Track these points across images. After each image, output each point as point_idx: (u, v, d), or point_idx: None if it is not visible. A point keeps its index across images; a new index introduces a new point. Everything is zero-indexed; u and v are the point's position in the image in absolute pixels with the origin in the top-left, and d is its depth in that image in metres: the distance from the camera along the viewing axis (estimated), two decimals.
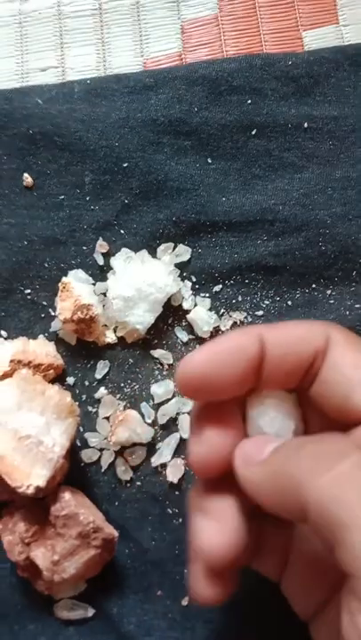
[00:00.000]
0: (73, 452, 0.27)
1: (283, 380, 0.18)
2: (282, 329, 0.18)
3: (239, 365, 0.17)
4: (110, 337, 0.29)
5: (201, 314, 0.29)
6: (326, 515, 0.15)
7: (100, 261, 0.29)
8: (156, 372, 0.29)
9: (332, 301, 0.29)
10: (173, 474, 0.27)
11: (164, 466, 0.27)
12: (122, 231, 0.29)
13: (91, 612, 0.26)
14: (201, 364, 0.17)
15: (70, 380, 0.28)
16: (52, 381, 0.28)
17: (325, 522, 0.15)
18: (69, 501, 0.24)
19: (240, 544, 0.18)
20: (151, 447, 0.28)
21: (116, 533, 0.25)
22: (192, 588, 0.19)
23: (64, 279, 0.28)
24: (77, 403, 0.28)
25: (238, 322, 0.29)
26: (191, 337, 0.29)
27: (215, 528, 0.18)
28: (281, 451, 0.17)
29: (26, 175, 0.30)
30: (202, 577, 0.18)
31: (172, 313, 0.29)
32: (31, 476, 0.23)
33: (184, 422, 0.28)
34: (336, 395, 0.18)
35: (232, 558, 0.18)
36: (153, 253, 0.29)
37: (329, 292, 0.29)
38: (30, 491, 0.23)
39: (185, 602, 0.26)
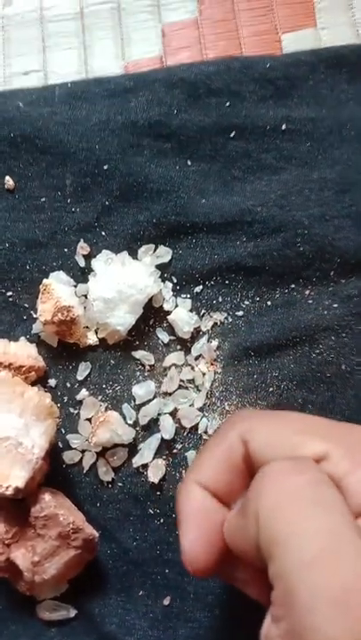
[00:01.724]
0: (55, 454, 0.27)
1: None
2: (269, 436, 0.18)
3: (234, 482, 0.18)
4: (92, 338, 0.29)
5: (182, 315, 0.29)
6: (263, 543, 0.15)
7: (82, 263, 0.29)
8: (138, 373, 0.29)
9: (310, 301, 0.29)
10: (154, 474, 0.27)
11: (145, 466, 0.28)
12: (103, 233, 0.30)
13: (73, 613, 0.26)
14: (196, 548, 0.18)
15: (52, 381, 0.28)
16: (34, 383, 0.28)
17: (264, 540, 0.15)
18: (49, 502, 0.25)
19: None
20: (132, 448, 0.28)
21: (96, 534, 0.25)
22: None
23: (45, 281, 0.28)
24: (59, 404, 0.28)
25: (219, 322, 0.29)
26: (172, 338, 0.29)
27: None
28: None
29: (7, 178, 0.30)
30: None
31: (153, 314, 0.29)
32: (10, 478, 0.23)
33: (165, 423, 0.28)
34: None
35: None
36: (134, 255, 0.29)
37: (308, 292, 0.29)
38: (9, 492, 0.23)
39: (166, 601, 0.26)
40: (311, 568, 0.14)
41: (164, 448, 0.28)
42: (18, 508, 0.25)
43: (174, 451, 0.28)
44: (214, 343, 0.29)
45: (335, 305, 0.29)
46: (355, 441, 0.17)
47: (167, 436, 0.28)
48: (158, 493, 0.27)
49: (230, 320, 0.29)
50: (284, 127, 0.30)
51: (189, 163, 0.30)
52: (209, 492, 0.19)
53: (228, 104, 0.30)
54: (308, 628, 0.14)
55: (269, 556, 0.15)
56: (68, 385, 0.28)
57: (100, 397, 0.28)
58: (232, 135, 0.30)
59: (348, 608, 0.14)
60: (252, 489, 0.17)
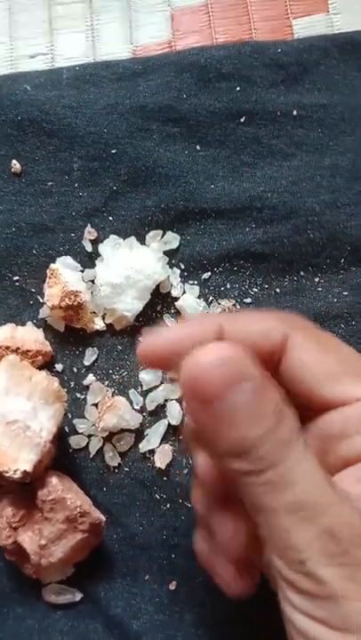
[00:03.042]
0: (62, 438, 0.27)
1: None
2: (241, 321, 0.19)
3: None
4: (99, 324, 0.29)
5: (189, 301, 0.29)
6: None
7: (89, 248, 0.29)
8: None
9: (320, 289, 0.29)
10: (161, 460, 0.27)
11: (151, 452, 0.28)
12: (110, 218, 0.29)
13: (78, 596, 0.26)
14: (163, 342, 0.18)
15: (59, 366, 0.28)
16: (41, 368, 0.28)
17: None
18: (56, 486, 0.25)
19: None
20: (139, 433, 0.28)
21: (102, 518, 0.25)
22: (225, 584, 0.19)
23: (52, 266, 0.28)
24: (66, 389, 0.28)
25: (227, 309, 0.29)
26: None
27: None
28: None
29: (14, 162, 0.29)
30: (231, 572, 0.19)
31: (160, 300, 0.29)
32: (18, 461, 0.23)
33: (172, 409, 0.28)
34: (298, 388, 0.18)
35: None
36: (142, 240, 0.29)
37: (317, 279, 0.29)
38: (17, 475, 0.23)
39: (172, 586, 0.26)
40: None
41: (171, 434, 0.28)
42: (25, 491, 0.25)
43: (181, 436, 0.28)
44: None
45: (345, 293, 0.29)
46: None
47: (174, 422, 0.28)
48: (165, 479, 0.27)
49: (238, 307, 0.29)
50: (295, 113, 0.30)
51: (198, 148, 0.30)
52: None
53: (238, 89, 0.30)
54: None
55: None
56: (75, 370, 0.28)
57: (106, 383, 0.28)
58: (242, 120, 0.30)
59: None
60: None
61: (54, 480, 0.25)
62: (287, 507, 0.15)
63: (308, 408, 0.18)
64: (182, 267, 0.29)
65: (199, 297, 0.29)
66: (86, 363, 0.28)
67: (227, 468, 0.16)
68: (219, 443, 0.16)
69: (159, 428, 0.28)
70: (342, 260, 0.29)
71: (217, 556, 0.19)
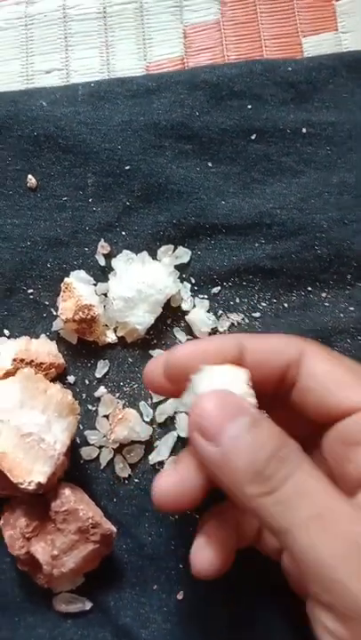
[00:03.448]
0: (73, 450, 0.28)
1: (257, 386, 0.20)
2: (261, 339, 0.21)
3: (218, 363, 0.20)
4: (111, 337, 0.29)
5: (199, 315, 0.29)
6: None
7: (102, 262, 0.30)
8: None
9: (327, 304, 0.29)
10: None
11: (161, 463, 0.28)
12: (123, 233, 0.30)
13: (88, 605, 0.27)
14: (184, 356, 0.20)
15: (71, 378, 0.29)
16: (54, 380, 0.28)
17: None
18: (69, 497, 0.25)
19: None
20: (149, 445, 0.28)
21: (114, 529, 0.26)
22: (192, 560, 0.20)
23: (66, 279, 0.29)
24: (78, 401, 0.28)
25: (236, 323, 0.30)
26: (189, 337, 0.29)
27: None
28: (233, 452, 0.18)
29: (30, 177, 0.30)
30: (202, 548, 0.20)
31: (171, 314, 0.30)
32: (32, 473, 0.24)
33: (182, 421, 0.28)
34: (313, 400, 0.20)
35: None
36: (153, 255, 0.30)
37: (324, 294, 0.30)
38: (32, 487, 0.24)
39: (180, 596, 0.27)
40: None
41: (181, 445, 0.28)
42: (38, 502, 0.25)
43: None
44: None
45: (351, 308, 0.29)
46: None
47: (183, 434, 0.28)
48: None
49: (247, 321, 0.30)
50: (304, 131, 0.31)
51: (210, 164, 0.30)
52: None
53: (249, 107, 0.31)
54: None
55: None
56: (87, 382, 0.29)
57: (117, 395, 0.29)
58: (253, 138, 0.30)
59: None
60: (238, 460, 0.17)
61: (67, 491, 0.25)
62: (307, 519, 0.16)
63: (323, 418, 0.19)
64: (193, 281, 0.30)
65: (209, 311, 0.30)
66: (98, 375, 0.29)
67: (243, 498, 0.17)
68: (230, 474, 0.17)
69: (169, 439, 0.28)
70: (349, 276, 0.29)
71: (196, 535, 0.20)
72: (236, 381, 0.19)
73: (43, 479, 0.24)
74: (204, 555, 0.20)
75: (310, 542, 0.16)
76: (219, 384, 0.19)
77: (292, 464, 0.17)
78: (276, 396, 0.21)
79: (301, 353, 0.20)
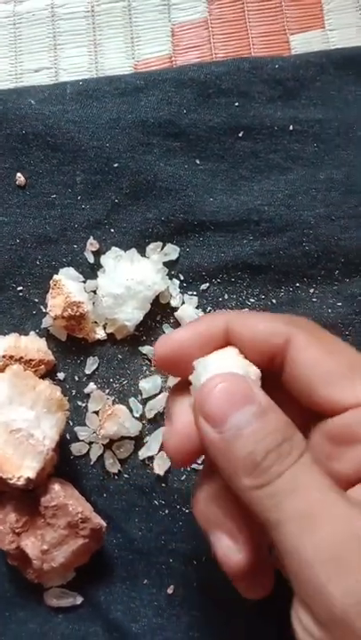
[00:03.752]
0: (63, 445, 0.28)
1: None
2: (246, 321, 0.20)
3: (207, 346, 0.19)
4: (100, 333, 0.29)
5: (188, 311, 0.29)
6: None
7: (91, 259, 0.30)
8: (145, 368, 0.29)
9: (315, 300, 0.30)
10: (160, 466, 0.28)
11: (151, 459, 0.28)
12: (112, 230, 0.30)
13: (79, 600, 0.27)
14: (175, 343, 0.19)
15: (61, 375, 0.29)
16: (43, 377, 0.28)
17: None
18: (59, 492, 0.25)
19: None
20: (139, 441, 0.28)
21: (103, 523, 0.26)
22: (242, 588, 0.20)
23: (55, 277, 0.29)
24: (67, 397, 0.28)
25: None
26: None
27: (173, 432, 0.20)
28: (235, 438, 0.17)
29: (19, 174, 0.30)
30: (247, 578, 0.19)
31: (160, 310, 0.30)
32: (22, 468, 0.24)
33: None
34: (299, 390, 0.19)
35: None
36: (142, 252, 0.30)
37: (312, 290, 0.30)
38: (21, 482, 0.24)
39: (170, 590, 0.27)
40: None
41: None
42: (28, 497, 0.25)
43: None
44: None
45: (339, 304, 0.29)
46: None
47: None
48: (163, 485, 0.28)
49: None
50: (291, 128, 0.31)
51: (198, 162, 0.31)
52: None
53: (237, 104, 0.31)
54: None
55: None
56: (77, 378, 0.29)
57: (107, 391, 0.29)
58: (240, 135, 0.31)
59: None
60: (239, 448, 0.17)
61: (56, 487, 0.25)
62: (297, 516, 0.16)
63: (311, 409, 0.19)
64: (181, 278, 0.30)
65: (198, 307, 0.30)
66: (87, 371, 0.29)
67: (239, 488, 0.17)
68: (229, 461, 0.17)
69: (158, 435, 0.28)
70: (336, 272, 0.30)
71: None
72: (239, 360, 0.19)
73: (32, 474, 0.24)
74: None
75: (296, 540, 0.16)
76: (224, 366, 0.19)
77: (290, 458, 0.16)
78: (273, 376, 0.20)
79: (288, 339, 0.19)
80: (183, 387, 0.20)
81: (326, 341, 0.19)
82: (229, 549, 0.18)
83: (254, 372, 0.19)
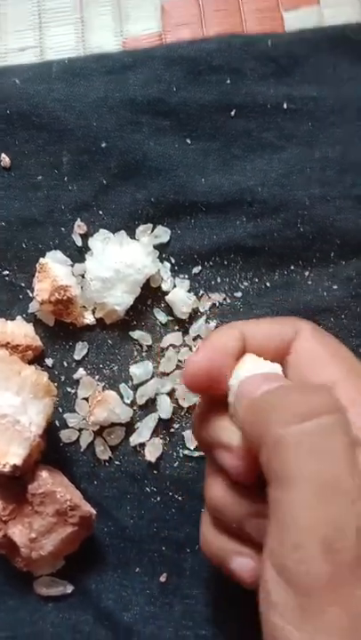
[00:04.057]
0: (52, 432, 0.27)
1: None
2: (260, 325, 0.21)
3: (228, 361, 0.20)
4: (89, 318, 0.29)
5: (180, 295, 0.29)
6: (268, 467, 0.16)
7: (79, 242, 0.29)
8: (135, 353, 0.29)
9: (310, 282, 0.29)
10: (152, 453, 0.27)
11: (142, 445, 0.28)
12: (100, 212, 0.29)
13: (70, 589, 0.26)
14: (201, 365, 0.20)
15: (49, 361, 0.28)
16: (31, 362, 0.28)
17: (268, 473, 0.16)
18: (46, 480, 0.25)
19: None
20: (130, 427, 0.28)
21: (93, 511, 0.25)
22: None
23: (42, 260, 0.28)
24: (56, 384, 0.28)
25: (217, 303, 0.29)
26: (170, 318, 0.29)
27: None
28: (269, 393, 0.18)
29: (3, 155, 0.29)
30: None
31: (151, 294, 0.29)
32: (8, 455, 0.23)
33: (163, 402, 0.28)
34: (295, 377, 0.20)
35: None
36: (132, 234, 0.29)
37: (307, 273, 0.29)
38: (7, 469, 0.23)
39: (163, 578, 0.26)
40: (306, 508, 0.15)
41: (162, 427, 0.28)
42: (15, 485, 0.25)
43: (171, 430, 0.28)
44: (212, 324, 0.29)
45: (335, 286, 0.29)
46: None
47: (165, 416, 0.28)
48: (155, 472, 0.27)
49: (229, 301, 0.29)
50: (285, 106, 0.30)
51: (189, 141, 0.30)
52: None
53: (228, 81, 0.30)
54: (295, 562, 0.15)
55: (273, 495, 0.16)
56: (66, 364, 0.28)
57: (97, 377, 0.28)
58: (232, 113, 0.30)
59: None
60: (269, 407, 0.17)
61: (44, 474, 0.25)
62: (315, 480, 0.15)
63: None
64: (173, 261, 0.29)
65: (189, 291, 0.29)
66: (77, 357, 0.28)
67: (269, 436, 0.16)
68: (268, 410, 0.17)
69: (149, 421, 0.28)
70: (332, 254, 0.29)
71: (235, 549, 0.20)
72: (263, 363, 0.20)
73: (18, 461, 0.23)
74: None
75: (304, 503, 0.15)
76: (256, 371, 0.20)
77: (330, 409, 0.16)
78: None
79: (297, 331, 0.21)
80: (210, 408, 0.21)
81: (316, 333, 0.21)
82: (250, 567, 0.19)
83: (278, 367, 0.20)
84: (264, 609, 0.16)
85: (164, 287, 0.29)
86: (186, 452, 0.27)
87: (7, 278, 0.29)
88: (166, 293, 0.29)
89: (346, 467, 0.16)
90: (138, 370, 0.28)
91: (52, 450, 0.27)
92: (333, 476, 0.15)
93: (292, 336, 0.21)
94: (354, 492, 0.15)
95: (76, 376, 0.28)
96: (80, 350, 0.28)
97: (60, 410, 0.28)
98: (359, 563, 0.15)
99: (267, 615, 0.16)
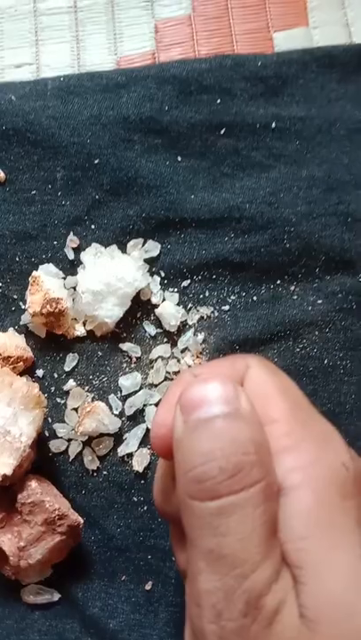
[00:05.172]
0: (42, 443, 0.28)
1: None
2: (211, 365, 0.21)
3: None
4: (79, 330, 0.29)
5: (169, 308, 0.29)
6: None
7: (71, 256, 0.30)
8: (125, 365, 0.29)
9: (295, 297, 0.30)
10: (139, 463, 0.28)
11: (130, 455, 0.28)
12: (92, 226, 0.30)
13: (56, 597, 0.27)
14: (159, 428, 0.18)
15: (40, 372, 0.29)
16: (22, 373, 0.28)
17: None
18: (36, 489, 0.25)
19: None
20: (118, 438, 0.28)
21: (81, 520, 0.26)
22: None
23: (34, 273, 0.29)
24: (46, 394, 0.28)
25: (205, 316, 0.30)
26: (159, 331, 0.30)
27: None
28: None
29: None
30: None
31: (140, 307, 0.30)
32: None
33: (151, 413, 0.29)
34: None
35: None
36: (123, 249, 0.30)
37: (293, 287, 0.30)
38: None
39: (148, 586, 0.27)
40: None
41: (149, 438, 0.28)
42: (5, 494, 0.25)
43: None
44: (200, 337, 0.29)
45: (320, 301, 0.30)
46: (314, 432, 0.18)
47: None
48: (142, 482, 0.28)
49: (216, 314, 0.30)
50: (273, 125, 0.31)
51: (179, 159, 0.30)
52: None
53: (218, 101, 0.31)
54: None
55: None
56: (56, 375, 0.29)
57: (86, 388, 0.29)
58: (222, 132, 0.31)
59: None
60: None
61: (33, 483, 0.25)
62: (209, 551, 0.15)
63: None
64: (162, 274, 0.30)
65: (178, 304, 0.30)
66: (67, 368, 0.29)
67: (183, 491, 0.16)
68: (182, 457, 0.16)
69: (138, 432, 0.28)
70: (317, 270, 0.30)
71: None
72: None
73: (8, 471, 0.24)
74: None
75: (200, 568, 0.15)
76: None
77: (245, 482, 0.15)
78: None
79: (248, 365, 0.19)
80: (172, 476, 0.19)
81: (278, 376, 0.20)
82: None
83: None
84: None
85: (154, 300, 0.30)
86: None
87: (0, 290, 0.30)
88: (156, 306, 0.30)
89: (249, 537, 0.15)
90: (127, 381, 0.29)
91: (41, 460, 0.27)
92: (231, 548, 0.15)
93: (244, 370, 0.19)
94: (251, 566, 0.15)
95: (65, 387, 0.29)
96: (70, 362, 0.29)
97: (50, 420, 0.28)
98: (243, 632, 0.15)
99: None
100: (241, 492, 0.15)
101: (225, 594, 0.15)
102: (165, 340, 0.30)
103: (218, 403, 0.16)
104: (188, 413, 0.16)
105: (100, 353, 0.29)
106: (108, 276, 0.28)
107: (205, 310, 0.30)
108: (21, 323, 0.29)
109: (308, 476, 0.16)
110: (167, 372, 0.29)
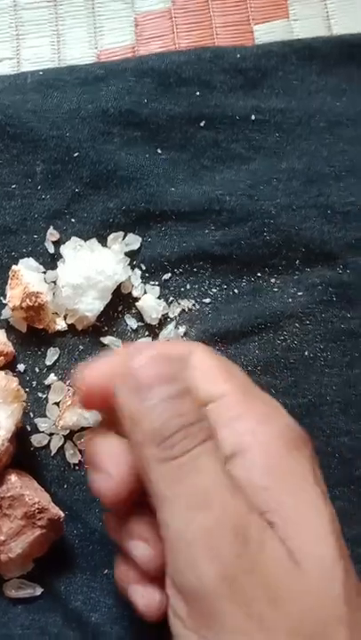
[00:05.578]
0: (23, 437, 0.28)
1: None
2: (155, 344, 0.23)
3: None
4: (60, 324, 0.29)
5: (150, 301, 0.29)
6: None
7: (51, 250, 0.30)
8: None
9: (276, 289, 0.30)
10: None
11: None
12: (72, 220, 0.30)
13: (39, 591, 0.27)
14: (95, 381, 0.20)
15: (21, 366, 0.29)
16: (3, 368, 0.28)
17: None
18: (15, 483, 0.25)
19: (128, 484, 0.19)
20: None
21: (61, 514, 0.26)
22: (135, 600, 0.20)
23: (14, 267, 0.29)
24: (27, 389, 0.28)
25: (187, 309, 0.30)
26: (140, 324, 0.30)
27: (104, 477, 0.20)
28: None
29: None
30: (140, 586, 0.20)
31: (121, 301, 0.30)
32: None
33: None
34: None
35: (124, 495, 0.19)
36: (103, 242, 0.30)
37: (273, 280, 0.30)
38: None
39: None
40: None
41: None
42: None
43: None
44: (182, 330, 0.29)
45: (300, 293, 0.30)
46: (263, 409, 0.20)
47: None
48: None
49: (198, 307, 0.30)
50: (253, 117, 0.31)
51: (159, 151, 0.30)
52: None
53: (198, 93, 0.31)
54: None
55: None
56: (37, 370, 0.29)
57: (68, 382, 0.29)
58: (202, 124, 0.31)
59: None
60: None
61: (13, 477, 0.25)
62: (188, 495, 0.17)
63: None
64: (143, 268, 0.30)
65: (160, 297, 0.30)
66: (48, 362, 0.29)
67: (145, 457, 0.18)
68: (138, 431, 0.18)
69: None
70: (297, 262, 0.30)
71: (137, 582, 0.20)
72: None
73: None
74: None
75: (182, 517, 0.17)
76: None
77: (196, 440, 0.17)
78: None
79: (192, 351, 0.21)
80: (107, 426, 0.21)
81: (222, 360, 0.22)
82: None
83: None
84: (171, 624, 0.17)
85: (135, 293, 0.30)
86: None
87: None
88: (137, 300, 0.29)
89: (214, 479, 0.17)
90: None
91: (23, 454, 0.27)
92: (202, 489, 0.17)
93: (188, 354, 0.21)
94: (229, 499, 0.17)
95: (47, 381, 0.29)
96: (51, 356, 0.29)
97: (32, 415, 0.28)
98: (242, 559, 0.16)
99: (174, 629, 0.17)
100: (206, 442, 0.17)
101: (211, 530, 0.16)
102: (147, 333, 0.30)
103: (170, 381, 0.18)
104: (144, 392, 0.18)
105: (81, 347, 0.29)
106: (88, 270, 0.28)
107: (186, 303, 0.30)
108: (2, 317, 0.29)
109: (258, 436, 0.18)
110: None
